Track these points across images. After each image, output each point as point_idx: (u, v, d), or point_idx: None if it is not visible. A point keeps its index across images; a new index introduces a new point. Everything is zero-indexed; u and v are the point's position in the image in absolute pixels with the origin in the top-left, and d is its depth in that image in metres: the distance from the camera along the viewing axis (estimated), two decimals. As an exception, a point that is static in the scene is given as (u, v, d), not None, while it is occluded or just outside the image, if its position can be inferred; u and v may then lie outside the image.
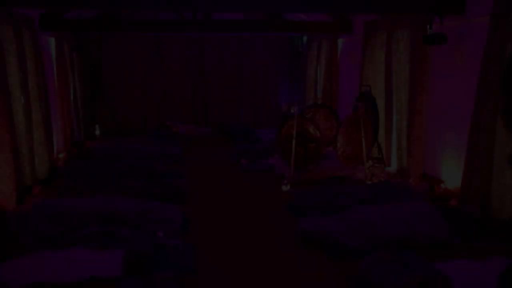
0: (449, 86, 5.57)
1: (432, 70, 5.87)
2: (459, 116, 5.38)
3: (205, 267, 3.72)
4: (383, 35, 6.92)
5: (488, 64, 4.55)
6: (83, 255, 3.75)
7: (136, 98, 10.59)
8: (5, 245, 4.05)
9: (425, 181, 5.46)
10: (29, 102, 5.82)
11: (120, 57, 10.41)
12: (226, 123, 10.64)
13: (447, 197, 5.30)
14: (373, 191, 5.10)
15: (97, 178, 5.67)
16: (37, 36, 6.28)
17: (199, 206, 5.27)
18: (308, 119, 6.50)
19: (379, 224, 4.05)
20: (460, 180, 5.06)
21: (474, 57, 5.01)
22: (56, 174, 6.22)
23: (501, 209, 4.61)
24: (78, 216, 4.34)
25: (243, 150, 7.70)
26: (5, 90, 4.99)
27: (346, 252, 3.89)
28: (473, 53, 5.08)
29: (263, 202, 5.46)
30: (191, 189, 5.90)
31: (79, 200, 4.63)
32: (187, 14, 10.02)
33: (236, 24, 8.36)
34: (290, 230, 4.47)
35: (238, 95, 11.18)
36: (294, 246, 4.14)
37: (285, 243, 4.24)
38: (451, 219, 4.16)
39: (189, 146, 8.81)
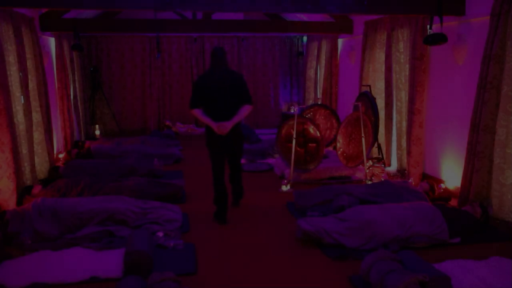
0: (449, 86, 5.57)
1: (432, 70, 5.87)
2: (459, 116, 5.38)
3: (205, 267, 3.72)
4: (383, 35, 6.93)
5: (488, 64, 4.55)
6: (83, 255, 3.76)
7: (136, 98, 10.59)
8: (5, 245, 4.05)
9: (425, 181, 5.47)
10: (29, 102, 5.82)
11: (120, 57, 10.41)
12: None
13: (447, 197, 5.30)
14: (373, 191, 5.10)
15: (97, 178, 5.67)
16: (37, 36, 6.28)
17: (199, 206, 5.26)
18: (308, 119, 6.50)
19: (379, 224, 4.05)
20: (460, 180, 5.07)
21: (474, 57, 5.02)
22: (56, 174, 6.22)
23: (501, 209, 4.62)
24: (78, 216, 4.34)
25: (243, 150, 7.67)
26: (5, 90, 4.99)
27: (346, 252, 3.90)
28: (473, 53, 5.09)
29: (263, 202, 5.46)
30: (191, 189, 5.90)
31: (79, 200, 4.62)
32: (187, 14, 10.05)
33: (236, 24, 8.36)
34: (290, 230, 4.47)
35: (238, 95, 11.15)
36: (294, 246, 4.14)
37: (285, 243, 4.24)
38: (451, 219, 4.16)
39: (189, 146, 8.81)
